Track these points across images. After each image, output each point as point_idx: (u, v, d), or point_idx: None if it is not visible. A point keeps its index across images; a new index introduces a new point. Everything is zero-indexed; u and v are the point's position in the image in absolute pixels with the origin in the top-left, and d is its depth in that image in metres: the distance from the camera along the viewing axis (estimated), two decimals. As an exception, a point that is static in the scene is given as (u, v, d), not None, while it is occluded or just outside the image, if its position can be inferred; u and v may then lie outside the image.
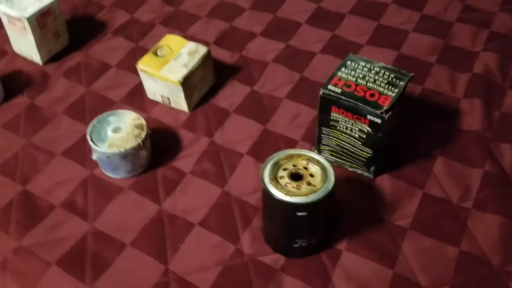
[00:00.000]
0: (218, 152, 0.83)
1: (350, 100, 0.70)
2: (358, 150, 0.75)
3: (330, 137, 0.77)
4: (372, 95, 0.70)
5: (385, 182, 0.77)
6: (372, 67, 0.74)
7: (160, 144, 0.84)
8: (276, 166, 0.66)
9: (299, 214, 0.63)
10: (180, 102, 0.87)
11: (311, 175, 0.65)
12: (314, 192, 0.63)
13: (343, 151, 0.77)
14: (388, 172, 0.78)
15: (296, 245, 0.68)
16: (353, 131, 0.73)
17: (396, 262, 0.68)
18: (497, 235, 0.70)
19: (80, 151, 0.82)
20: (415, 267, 0.68)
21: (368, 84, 0.71)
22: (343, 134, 0.75)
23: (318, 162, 0.66)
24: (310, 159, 0.66)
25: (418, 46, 0.98)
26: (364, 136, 0.73)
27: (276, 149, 0.78)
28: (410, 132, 0.83)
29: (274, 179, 0.64)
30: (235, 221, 0.74)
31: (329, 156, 0.80)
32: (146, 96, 0.91)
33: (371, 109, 0.68)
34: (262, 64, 0.96)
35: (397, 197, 0.75)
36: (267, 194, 0.64)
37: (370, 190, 0.77)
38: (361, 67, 0.74)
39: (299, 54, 0.98)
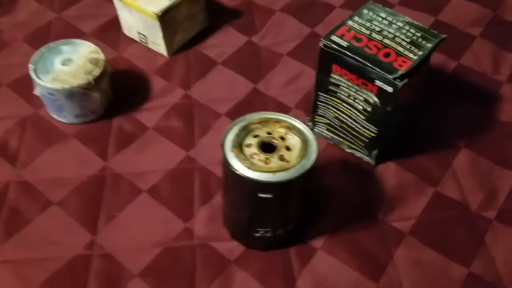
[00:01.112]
0: (191, 108, 0.68)
1: (357, 58, 0.53)
2: (360, 127, 0.59)
3: (328, 106, 0.61)
4: (387, 55, 0.53)
5: (388, 172, 0.61)
6: (394, 21, 0.57)
7: (124, 89, 0.69)
8: (245, 131, 0.50)
9: (261, 195, 0.48)
10: (158, 42, 0.72)
11: (288, 148, 0.50)
12: (285, 169, 0.47)
13: (341, 126, 0.61)
14: (395, 160, 0.62)
15: (257, 234, 0.53)
16: (357, 100, 0.57)
17: (383, 274, 0.53)
18: (523, 259, 0.54)
19: (29, 85, 0.68)
20: (407, 284, 0.52)
21: (384, 40, 0.55)
22: (343, 104, 0.59)
23: (300, 133, 0.50)
24: (290, 128, 0.51)
25: (461, 14, 0.80)
26: (369, 109, 0.56)
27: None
28: (432, 113, 0.67)
29: (238, 146, 0.49)
30: (192, 194, 0.59)
31: (325, 131, 0.64)
32: (122, 31, 0.76)
33: (382, 72, 0.52)
34: (268, 11, 0.80)
35: (401, 192, 0.59)
36: (225, 164, 0.48)
37: (368, 179, 0.61)
38: (380, 19, 0.57)
39: (315, 5, 0.81)
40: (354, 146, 0.62)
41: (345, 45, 0.54)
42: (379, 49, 0.54)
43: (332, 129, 0.63)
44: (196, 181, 0.60)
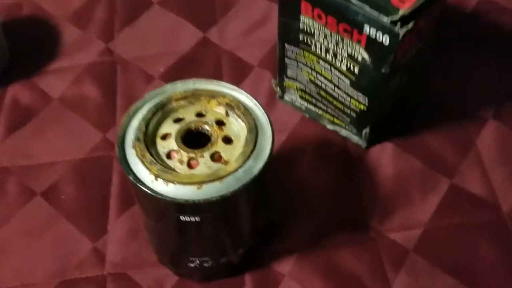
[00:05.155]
0: (113, 68, 0.49)
1: (335, -8, 0.34)
2: (345, 96, 0.41)
3: (300, 64, 0.42)
4: (381, -11, 0.34)
5: (385, 157, 0.43)
6: None
7: (25, 45, 0.51)
8: (160, 112, 0.33)
9: (183, 219, 0.31)
10: (71, -22, 0.53)
11: (227, 140, 0.32)
12: (219, 179, 0.29)
13: (320, 94, 0.43)
14: (394, 140, 0.44)
15: (192, 264, 0.36)
16: (338, 56, 0.38)
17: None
18: None
19: None
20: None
21: (377, -34, 0.35)
22: (320, 62, 0.40)
23: (246, 113, 0.32)
24: (233, 106, 0.33)
25: None
26: (355, 70, 0.38)
27: (213, 75, 0.47)
28: (444, 72, 0.48)
29: (148, 139, 0.31)
30: (107, 197, 0.42)
31: (298, 100, 0.45)
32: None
33: (374, 12, 0.33)
34: None
35: (402, 188, 0.42)
36: (123, 169, 0.31)
37: (355, 168, 0.43)
38: None
39: None
40: (338, 122, 0.44)
41: (318, -29, 0.35)
42: (371, -21, 0.35)
43: (308, 98, 0.45)
44: (114, 177, 0.43)
